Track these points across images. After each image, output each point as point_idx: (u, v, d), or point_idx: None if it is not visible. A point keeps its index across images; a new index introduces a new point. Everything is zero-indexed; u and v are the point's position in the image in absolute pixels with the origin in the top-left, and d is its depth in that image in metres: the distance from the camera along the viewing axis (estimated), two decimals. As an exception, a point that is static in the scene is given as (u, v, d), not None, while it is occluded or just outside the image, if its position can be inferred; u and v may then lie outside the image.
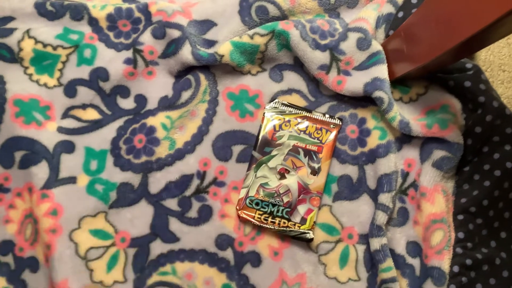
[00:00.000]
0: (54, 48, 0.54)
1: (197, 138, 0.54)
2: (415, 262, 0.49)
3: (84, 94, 0.54)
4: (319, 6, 0.56)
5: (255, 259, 0.51)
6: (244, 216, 0.51)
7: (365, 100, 0.53)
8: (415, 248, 0.50)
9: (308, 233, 0.50)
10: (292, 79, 0.55)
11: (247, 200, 0.52)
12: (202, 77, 0.54)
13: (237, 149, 0.54)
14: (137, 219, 0.52)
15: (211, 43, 0.55)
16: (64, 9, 0.55)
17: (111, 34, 0.56)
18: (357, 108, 0.54)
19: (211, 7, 0.55)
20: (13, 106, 0.52)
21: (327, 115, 0.54)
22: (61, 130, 0.53)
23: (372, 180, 0.52)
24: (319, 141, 0.53)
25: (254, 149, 0.53)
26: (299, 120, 0.54)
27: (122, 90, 0.55)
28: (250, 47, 0.53)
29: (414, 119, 0.50)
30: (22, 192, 0.53)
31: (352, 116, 0.54)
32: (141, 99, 0.55)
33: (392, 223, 0.50)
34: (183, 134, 0.54)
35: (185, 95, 0.54)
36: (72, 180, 0.52)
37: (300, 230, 0.51)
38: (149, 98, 0.55)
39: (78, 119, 0.54)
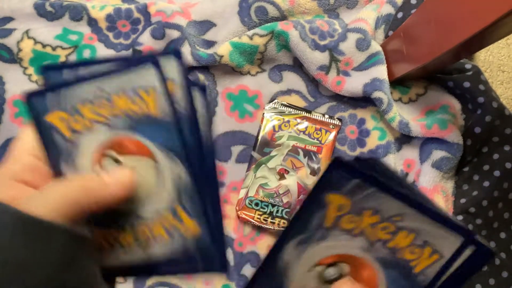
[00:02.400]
0: (53, 48, 0.54)
1: (197, 139, 0.54)
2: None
3: (84, 94, 0.54)
4: (318, 7, 0.56)
5: (255, 259, 0.51)
6: (244, 216, 0.51)
7: (364, 100, 0.53)
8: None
9: None
10: (292, 80, 0.55)
11: (247, 201, 0.52)
12: (201, 77, 0.54)
13: (236, 149, 0.54)
14: (136, 219, 0.52)
15: (210, 44, 0.55)
16: (63, 10, 0.55)
17: (110, 35, 0.56)
18: (357, 109, 0.54)
19: (210, 8, 0.55)
20: (12, 106, 0.52)
21: (326, 116, 0.54)
22: (60, 130, 0.53)
23: (372, 180, 0.52)
24: (318, 142, 0.53)
25: (254, 149, 0.53)
26: (298, 120, 0.54)
27: (121, 91, 0.55)
28: (249, 48, 0.53)
29: (414, 120, 0.50)
30: (22, 192, 0.53)
31: (352, 116, 0.54)
32: (140, 100, 0.55)
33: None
34: (182, 134, 0.54)
35: (185, 95, 0.54)
36: (71, 180, 0.52)
37: None
38: (149, 98, 0.55)
39: (78, 119, 0.54)
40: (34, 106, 0.22)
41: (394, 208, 0.20)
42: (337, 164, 0.19)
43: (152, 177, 0.23)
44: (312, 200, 0.20)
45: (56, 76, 0.23)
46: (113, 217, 0.23)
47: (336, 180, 0.20)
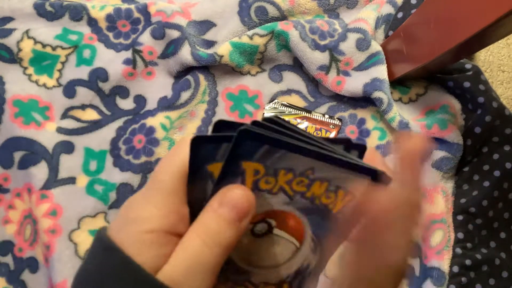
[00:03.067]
0: (53, 48, 0.54)
1: (197, 139, 0.54)
2: (415, 263, 0.49)
3: (84, 94, 0.54)
4: (318, 7, 0.56)
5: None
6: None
7: (364, 100, 0.53)
8: (414, 248, 0.50)
9: None
10: (292, 80, 0.55)
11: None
12: (201, 77, 0.54)
13: (236, 149, 0.54)
14: (136, 219, 0.52)
15: (210, 44, 0.55)
16: (63, 10, 0.55)
17: (110, 35, 0.56)
18: (357, 109, 0.54)
19: (210, 8, 0.55)
20: (12, 106, 0.52)
21: (326, 116, 0.54)
22: (60, 130, 0.53)
23: (372, 180, 0.52)
24: (318, 142, 0.53)
25: (254, 149, 0.53)
26: (298, 120, 0.54)
27: (121, 91, 0.55)
28: (249, 48, 0.53)
29: (414, 120, 0.50)
30: (22, 192, 0.53)
31: (352, 116, 0.54)
32: (140, 100, 0.55)
33: (392, 224, 0.50)
34: (182, 134, 0.54)
35: (185, 95, 0.54)
36: (71, 180, 0.52)
37: None
38: (149, 98, 0.55)
39: (78, 119, 0.54)
40: (200, 152, 0.21)
41: (304, 163, 0.21)
42: (245, 135, 0.20)
43: (283, 258, 0.23)
44: (228, 170, 0.21)
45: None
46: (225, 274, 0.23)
47: (246, 149, 0.20)
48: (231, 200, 0.20)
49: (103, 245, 0.20)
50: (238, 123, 0.21)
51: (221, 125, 0.21)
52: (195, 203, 0.21)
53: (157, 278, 0.19)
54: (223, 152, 0.21)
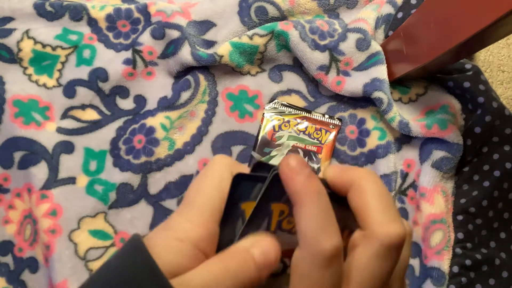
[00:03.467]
0: (53, 48, 0.54)
1: (197, 139, 0.54)
2: (415, 263, 0.49)
3: (83, 94, 0.54)
4: (318, 7, 0.56)
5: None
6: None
7: (364, 100, 0.53)
8: (414, 248, 0.50)
9: None
10: (292, 80, 0.55)
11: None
12: (201, 77, 0.54)
13: (236, 149, 0.54)
14: (136, 219, 0.52)
15: (210, 44, 0.55)
16: (63, 10, 0.55)
17: (110, 35, 0.56)
18: (357, 109, 0.54)
19: (210, 8, 0.55)
20: (12, 106, 0.52)
21: (326, 116, 0.54)
22: (60, 130, 0.53)
23: (372, 180, 0.52)
24: (318, 142, 0.53)
25: (254, 149, 0.53)
26: (298, 120, 0.54)
27: (121, 91, 0.55)
28: (249, 48, 0.53)
29: (414, 120, 0.50)
30: (22, 192, 0.53)
31: (352, 116, 0.54)
32: (140, 100, 0.55)
33: (392, 224, 0.50)
34: (182, 134, 0.54)
35: (185, 95, 0.54)
36: (71, 180, 0.52)
37: None
38: (149, 98, 0.55)
39: (78, 119, 0.54)
40: (237, 190, 0.22)
41: None
42: (278, 178, 0.22)
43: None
44: (259, 211, 0.22)
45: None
46: None
47: (277, 191, 0.22)
48: (264, 247, 0.22)
49: (131, 244, 0.21)
50: (273, 165, 0.22)
51: (259, 166, 0.23)
52: (224, 243, 0.22)
53: (171, 282, 0.19)
54: (257, 192, 0.22)
